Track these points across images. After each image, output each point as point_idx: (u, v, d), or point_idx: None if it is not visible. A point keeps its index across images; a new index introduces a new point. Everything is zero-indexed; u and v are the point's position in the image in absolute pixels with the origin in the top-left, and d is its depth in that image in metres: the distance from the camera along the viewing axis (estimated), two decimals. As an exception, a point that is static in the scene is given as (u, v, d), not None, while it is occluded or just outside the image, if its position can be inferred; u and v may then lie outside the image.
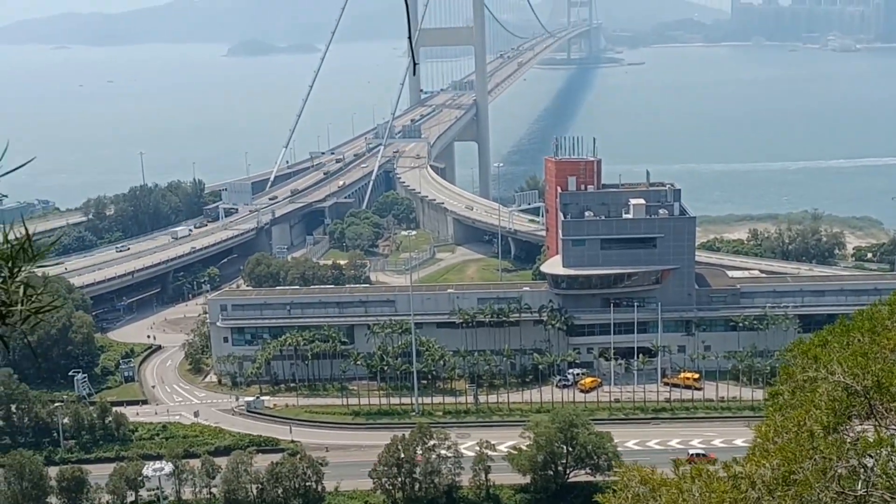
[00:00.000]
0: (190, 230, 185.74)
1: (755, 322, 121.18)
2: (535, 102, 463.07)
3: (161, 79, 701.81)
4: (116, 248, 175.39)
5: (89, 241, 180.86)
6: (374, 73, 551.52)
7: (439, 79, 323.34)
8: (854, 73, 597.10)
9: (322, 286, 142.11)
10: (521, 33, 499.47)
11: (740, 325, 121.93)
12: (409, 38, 18.35)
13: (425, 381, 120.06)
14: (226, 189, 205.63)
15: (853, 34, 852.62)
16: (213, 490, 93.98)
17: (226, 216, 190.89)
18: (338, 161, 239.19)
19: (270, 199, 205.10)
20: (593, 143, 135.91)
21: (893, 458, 14.67)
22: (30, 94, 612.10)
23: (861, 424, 16.02)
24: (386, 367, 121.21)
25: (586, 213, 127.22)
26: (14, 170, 8.02)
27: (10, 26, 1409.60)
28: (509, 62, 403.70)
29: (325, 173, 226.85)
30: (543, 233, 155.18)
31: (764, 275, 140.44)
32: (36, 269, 7.79)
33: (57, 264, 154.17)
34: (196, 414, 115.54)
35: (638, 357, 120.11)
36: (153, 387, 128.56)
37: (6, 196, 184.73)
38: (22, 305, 7.59)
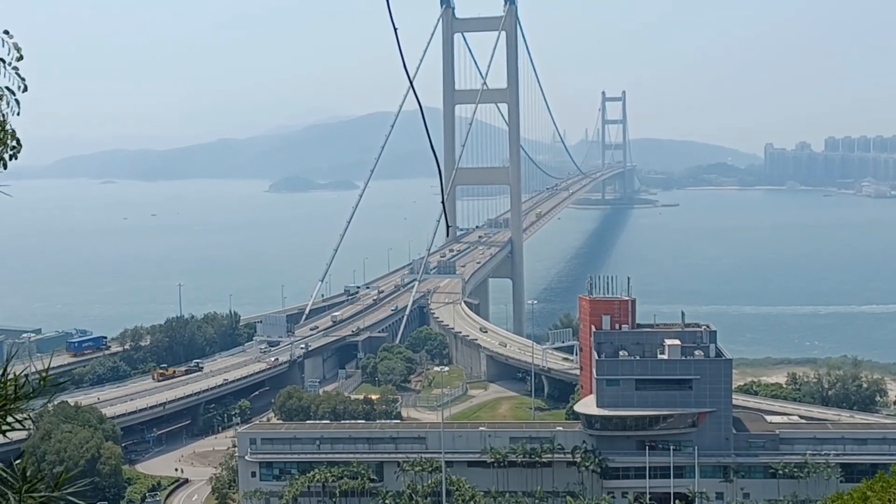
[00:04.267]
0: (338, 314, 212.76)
1: (795, 469, 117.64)
2: (570, 241, 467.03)
3: (203, 213, 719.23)
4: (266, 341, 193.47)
5: (124, 371, 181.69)
6: (410, 209, 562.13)
7: (475, 216, 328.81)
8: (889, 219, 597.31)
9: (352, 421, 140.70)
10: (557, 174, 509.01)
11: (780, 472, 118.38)
12: (443, 202, 18.19)
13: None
14: (261, 321, 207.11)
15: (888, 180, 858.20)
16: None
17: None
18: (372, 296, 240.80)
19: (311, 329, 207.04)
20: (628, 282, 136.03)
21: None
22: (75, 226, 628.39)
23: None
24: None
25: (621, 353, 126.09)
26: None
27: (61, 161, 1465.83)
28: (544, 202, 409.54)
29: (354, 308, 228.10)
30: (577, 371, 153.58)
31: (803, 421, 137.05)
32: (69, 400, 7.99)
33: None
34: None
35: (674, 503, 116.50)
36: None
37: None
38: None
